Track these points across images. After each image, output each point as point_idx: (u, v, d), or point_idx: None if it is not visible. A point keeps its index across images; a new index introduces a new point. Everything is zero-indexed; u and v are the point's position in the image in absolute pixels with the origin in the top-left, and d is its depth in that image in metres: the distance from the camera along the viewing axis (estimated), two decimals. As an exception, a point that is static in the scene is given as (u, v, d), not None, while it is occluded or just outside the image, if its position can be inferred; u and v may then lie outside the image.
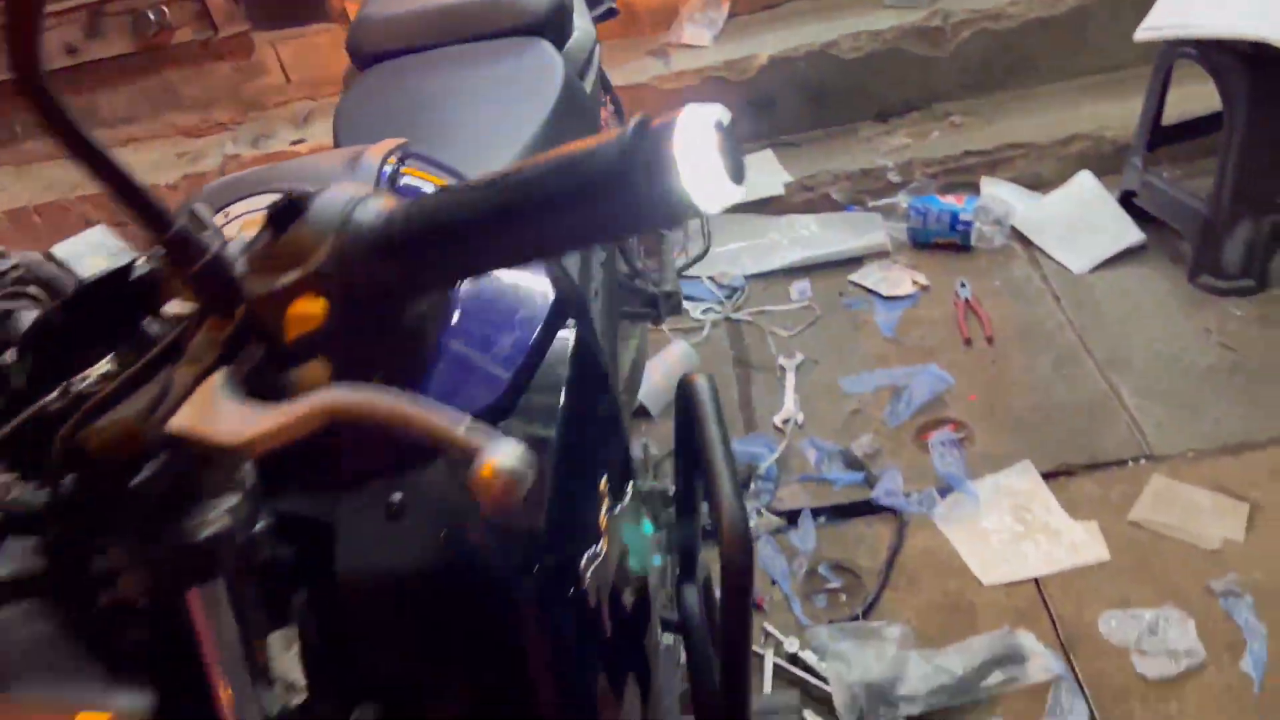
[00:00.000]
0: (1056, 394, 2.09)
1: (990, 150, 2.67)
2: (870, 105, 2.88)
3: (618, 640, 0.81)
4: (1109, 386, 2.07)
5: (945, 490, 1.92)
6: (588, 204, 0.42)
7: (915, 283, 2.47)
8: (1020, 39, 2.79)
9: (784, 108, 2.87)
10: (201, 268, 0.46)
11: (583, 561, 0.75)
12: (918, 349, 2.28)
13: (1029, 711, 1.55)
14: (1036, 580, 1.74)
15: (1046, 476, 1.90)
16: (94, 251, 0.61)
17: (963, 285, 2.41)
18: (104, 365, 0.58)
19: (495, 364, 0.78)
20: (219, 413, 0.43)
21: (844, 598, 1.79)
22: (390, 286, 0.45)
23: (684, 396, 0.91)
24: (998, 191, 2.60)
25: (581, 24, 1.54)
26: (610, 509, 0.81)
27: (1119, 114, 2.62)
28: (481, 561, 0.72)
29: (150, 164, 3.13)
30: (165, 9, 3.03)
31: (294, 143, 2.97)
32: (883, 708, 1.56)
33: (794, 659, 1.68)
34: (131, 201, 0.46)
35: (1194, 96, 2.35)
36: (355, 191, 0.46)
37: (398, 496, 0.72)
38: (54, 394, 0.57)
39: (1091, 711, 1.53)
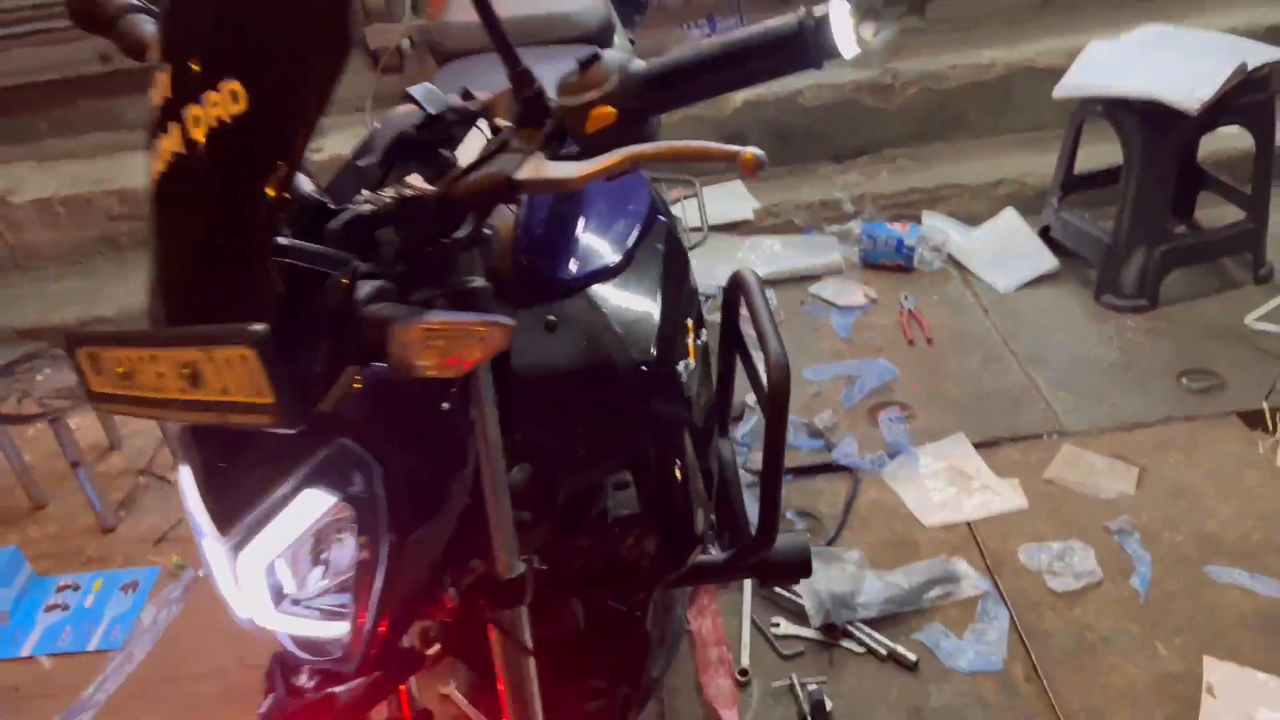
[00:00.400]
0: (985, 383, 2.47)
1: (931, 189, 3.10)
2: (828, 147, 3.30)
3: (696, 438, 1.13)
4: (1029, 379, 2.47)
5: (893, 454, 2.27)
6: (774, 52, 0.76)
7: (866, 295, 2.85)
8: (957, 99, 3.24)
9: (753, 145, 3.26)
10: (534, 91, 0.78)
11: (680, 368, 1.07)
12: (868, 347, 2.65)
13: (962, 618, 1.89)
14: (969, 523, 2.09)
15: (977, 446, 2.27)
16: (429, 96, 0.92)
17: (906, 298, 2.80)
18: (389, 191, 0.89)
19: (616, 236, 1.11)
20: (548, 169, 0.76)
21: (809, 536, 2.12)
22: (649, 103, 0.78)
23: (733, 289, 1.25)
24: (936, 223, 3.02)
25: (620, 40, 1.90)
26: (695, 338, 1.14)
27: (1038, 164, 3.07)
28: (611, 363, 1.04)
29: (170, 166, 3.39)
30: (198, 26, 3.32)
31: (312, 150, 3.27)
32: (844, 611, 1.88)
33: (769, 577, 1.99)
34: (502, 48, 0.78)
35: (1099, 154, 2.81)
36: (625, 53, 0.79)
37: (553, 316, 1.04)
38: (351, 207, 0.88)
39: (1012, 616, 1.87)
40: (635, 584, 1.13)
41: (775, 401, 1.11)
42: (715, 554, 1.29)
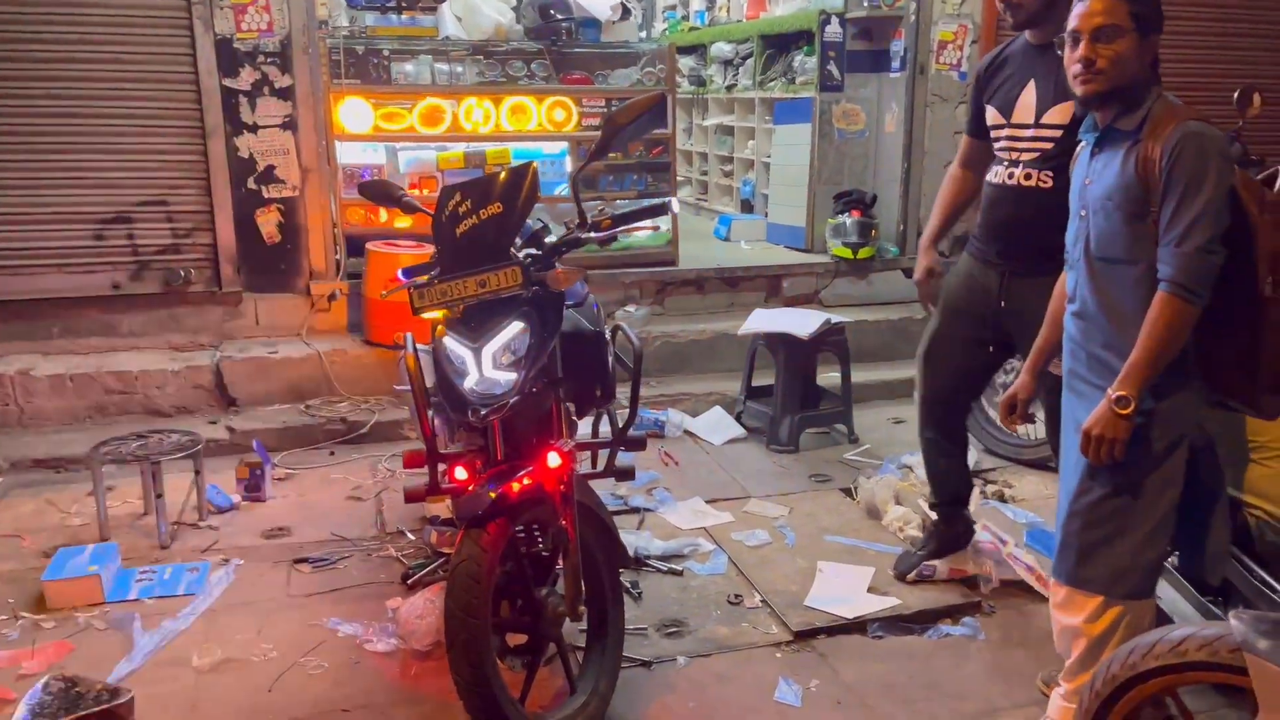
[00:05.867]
0: (710, 480, 4.31)
1: (672, 395, 5.09)
2: (609, 373, 5.25)
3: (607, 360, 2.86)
4: (732, 478, 4.34)
5: (663, 503, 4.01)
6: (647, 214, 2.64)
7: (637, 447, 4.67)
8: (685, 349, 5.35)
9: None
10: (586, 218, 2.62)
11: (607, 335, 2.84)
12: (643, 465, 4.43)
13: (704, 559, 3.57)
14: (705, 528, 3.83)
15: (707, 501, 4.06)
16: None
17: (662, 448, 4.65)
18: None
19: (583, 295, 2.93)
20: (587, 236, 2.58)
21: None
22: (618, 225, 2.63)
23: (615, 329, 3.06)
24: (674, 414, 4.97)
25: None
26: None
27: (732, 385, 5.14)
28: (586, 329, 2.80)
29: (151, 362, 4.78)
30: (193, 269, 4.91)
31: (270, 352, 4.82)
32: (641, 551, 3.53)
33: (601, 544, 3.60)
34: (579, 206, 2.63)
35: (763, 377, 4.93)
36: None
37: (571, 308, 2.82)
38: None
39: (729, 556, 3.58)
40: (602, 400, 2.83)
41: (637, 360, 2.89)
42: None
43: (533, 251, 2.70)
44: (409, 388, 2.93)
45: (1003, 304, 3.01)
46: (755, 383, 4.97)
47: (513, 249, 2.55)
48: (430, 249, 4.62)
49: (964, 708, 2.75)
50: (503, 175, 2.61)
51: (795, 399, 4.70)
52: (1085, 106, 2.27)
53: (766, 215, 7.02)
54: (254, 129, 4.91)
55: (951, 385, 3.28)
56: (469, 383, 2.49)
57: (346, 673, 2.89)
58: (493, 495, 2.41)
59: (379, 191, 2.99)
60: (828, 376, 5.03)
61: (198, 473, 3.81)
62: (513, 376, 2.47)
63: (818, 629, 3.11)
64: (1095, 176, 2.25)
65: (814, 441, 4.77)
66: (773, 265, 5.99)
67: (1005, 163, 2.96)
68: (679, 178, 7.48)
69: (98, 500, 3.65)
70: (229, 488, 4.03)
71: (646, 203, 2.97)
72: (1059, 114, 2.83)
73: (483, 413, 2.48)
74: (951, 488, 3.41)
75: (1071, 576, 2.31)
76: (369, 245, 4.98)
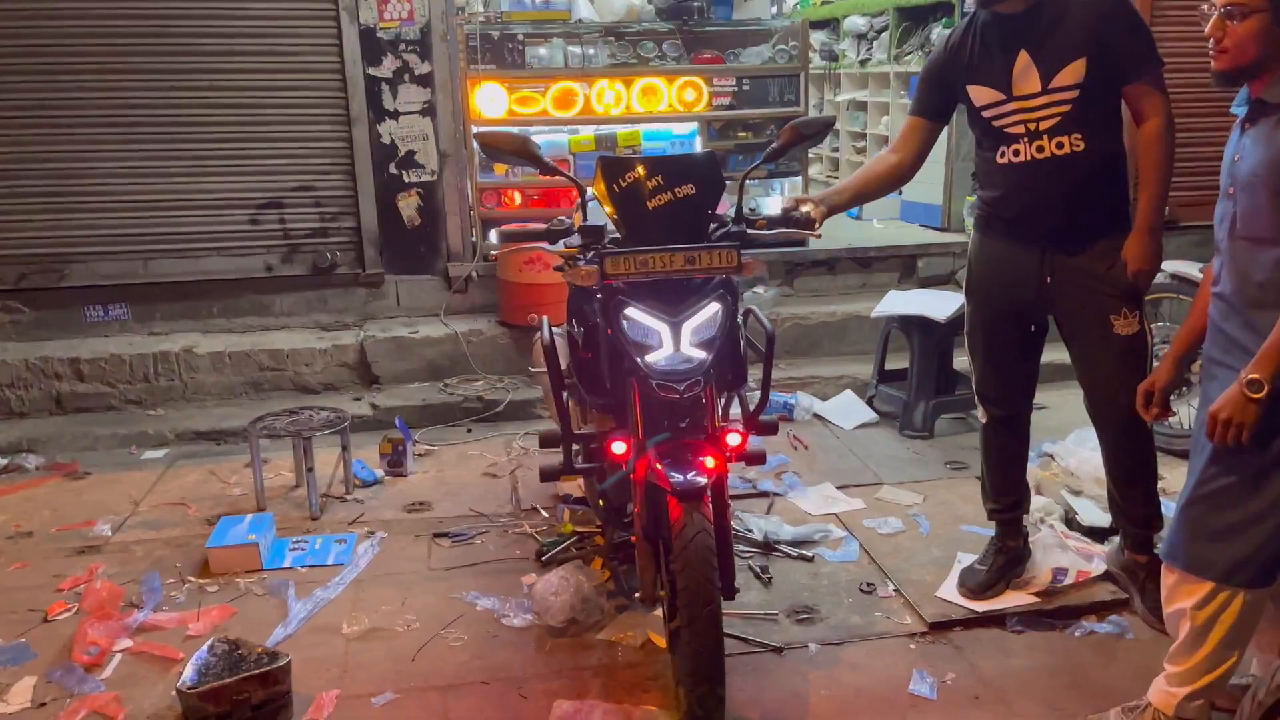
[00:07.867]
0: (842, 465, 4.27)
1: (802, 378, 5.04)
2: (738, 355, 5.24)
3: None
4: (863, 464, 4.28)
5: (792, 488, 3.99)
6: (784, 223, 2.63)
7: (767, 430, 4.66)
8: (815, 331, 5.29)
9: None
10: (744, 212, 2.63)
11: (739, 320, 2.84)
12: (772, 449, 4.41)
13: (834, 545, 3.54)
14: (836, 514, 3.79)
15: (838, 486, 4.02)
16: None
17: (791, 431, 4.62)
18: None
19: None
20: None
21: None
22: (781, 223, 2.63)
23: (748, 312, 3.04)
24: (804, 397, 4.92)
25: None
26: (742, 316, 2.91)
27: (863, 369, 5.06)
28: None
29: (301, 341, 5.02)
30: (339, 252, 5.13)
31: (410, 332, 5.00)
32: (772, 536, 3.52)
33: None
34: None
35: (895, 361, 4.83)
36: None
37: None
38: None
39: (860, 543, 3.54)
40: (733, 384, 2.85)
41: (769, 344, 2.88)
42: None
43: None
44: (544, 369, 3.00)
45: (1048, 280, 2.88)
46: (888, 366, 4.87)
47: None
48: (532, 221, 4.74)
49: (1108, 709, 2.64)
50: (686, 157, 2.77)
51: (930, 384, 4.59)
52: (1215, 82, 2.16)
53: (900, 192, 6.83)
54: (395, 115, 5.08)
55: (1004, 373, 3.13)
56: (658, 356, 2.54)
57: (485, 645, 2.99)
58: (711, 465, 2.46)
59: (505, 143, 2.74)
60: (964, 361, 4.88)
61: (345, 448, 3.99)
62: (702, 355, 2.55)
63: (953, 621, 3.05)
64: (1244, 152, 2.13)
65: (949, 427, 4.66)
66: (907, 244, 5.85)
67: (1022, 137, 2.78)
68: (809, 154, 7.37)
69: (255, 473, 3.87)
70: (373, 463, 4.21)
71: (789, 193, 2.95)
72: (1070, 74, 2.69)
73: (680, 389, 2.50)
74: (1013, 491, 3.21)
75: (1187, 561, 2.22)
76: (504, 227, 5.08)
